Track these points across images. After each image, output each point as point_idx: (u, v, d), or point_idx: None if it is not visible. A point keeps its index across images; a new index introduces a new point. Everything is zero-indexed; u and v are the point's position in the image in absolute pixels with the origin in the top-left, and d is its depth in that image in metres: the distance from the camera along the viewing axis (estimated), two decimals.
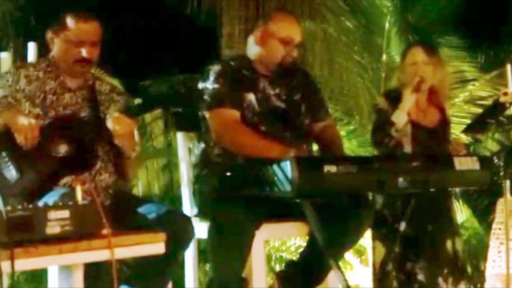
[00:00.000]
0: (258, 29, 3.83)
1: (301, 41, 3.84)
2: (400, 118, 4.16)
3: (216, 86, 3.71)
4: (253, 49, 3.84)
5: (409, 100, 4.20)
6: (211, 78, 3.74)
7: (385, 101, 4.33)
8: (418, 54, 4.31)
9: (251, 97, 3.76)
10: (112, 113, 3.38)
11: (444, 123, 4.44)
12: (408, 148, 4.22)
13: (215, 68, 3.77)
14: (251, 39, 3.86)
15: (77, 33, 3.40)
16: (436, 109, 4.41)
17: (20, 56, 5.41)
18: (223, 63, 3.87)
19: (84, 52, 3.41)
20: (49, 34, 3.49)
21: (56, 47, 3.48)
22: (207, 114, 3.72)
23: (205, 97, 3.72)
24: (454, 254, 4.30)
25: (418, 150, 4.21)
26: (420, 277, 4.18)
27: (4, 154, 3.25)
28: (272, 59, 3.79)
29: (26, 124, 3.19)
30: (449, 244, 4.29)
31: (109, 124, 3.29)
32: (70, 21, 3.42)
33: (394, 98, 4.29)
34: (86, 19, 3.42)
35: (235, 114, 3.69)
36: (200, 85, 3.76)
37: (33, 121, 3.23)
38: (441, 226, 4.27)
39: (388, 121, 4.17)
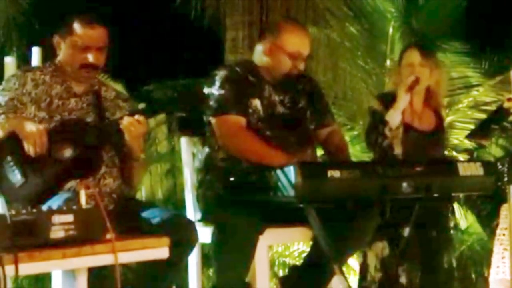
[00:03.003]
0: (268, 40, 3.82)
1: (308, 54, 3.85)
2: (394, 117, 4.15)
3: (222, 92, 3.72)
4: (260, 58, 3.84)
5: (403, 99, 4.18)
6: (217, 83, 3.74)
7: (378, 103, 4.31)
8: (414, 56, 4.30)
9: (256, 102, 3.76)
10: (124, 115, 3.38)
11: (440, 127, 4.43)
12: (398, 150, 4.20)
13: (220, 74, 3.77)
14: (259, 48, 3.85)
15: (84, 39, 3.40)
16: (432, 112, 4.40)
17: (24, 61, 5.42)
18: (228, 68, 3.87)
19: (90, 58, 3.41)
20: (55, 39, 3.49)
21: (63, 52, 3.48)
22: (212, 120, 3.73)
23: (211, 103, 3.72)
24: (449, 266, 4.31)
25: (409, 153, 4.20)
26: (402, 279, 4.18)
27: (9, 158, 3.25)
28: (278, 71, 3.79)
29: (34, 131, 3.20)
30: (445, 254, 4.30)
31: (123, 125, 3.29)
32: (76, 26, 3.41)
33: (388, 100, 4.28)
34: (93, 25, 3.42)
35: (241, 120, 3.69)
36: (206, 91, 3.76)
37: (41, 127, 3.23)
38: (440, 234, 4.28)
39: (382, 121, 4.18)
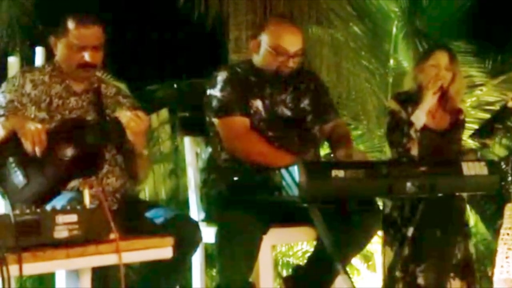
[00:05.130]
0: (256, 36, 3.82)
1: (299, 50, 3.75)
2: (419, 118, 4.20)
3: (224, 93, 3.71)
4: (252, 56, 3.84)
5: (429, 101, 4.23)
6: (219, 85, 3.73)
7: (395, 103, 4.34)
8: (443, 58, 4.32)
9: (258, 103, 3.75)
10: (125, 110, 3.38)
11: (456, 125, 4.43)
12: (415, 151, 4.22)
13: (222, 75, 3.76)
14: (250, 45, 3.86)
15: (79, 39, 3.41)
16: (446, 113, 4.40)
17: (27, 61, 5.42)
18: (229, 69, 3.85)
19: (86, 57, 3.41)
20: (52, 39, 3.50)
21: (59, 52, 3.49)
22: (216, 122, 3.72)
23: (213, 104, 3.72)
24: (466, 257, 4.31)
25: (425, 153, 4.21)
26: (420, 280, 4.18)
27: (11, 159, 3.26)
28: (266, 67, 3.77)
29: (33, 130, 3.19)
30: (461, 248, 4.30)
31: (124, 120, 3.29)
32: (71, 27, 3.42)
33: (404, 100, 4.31)
34: (87, 24, 3.41)
35: (245, 121, 3.69)
36: (208, 92, 3.75)
37: (40, 126, 3.23)
38: (451, 230, 4.27)
39: (406, 122, 4.20)
